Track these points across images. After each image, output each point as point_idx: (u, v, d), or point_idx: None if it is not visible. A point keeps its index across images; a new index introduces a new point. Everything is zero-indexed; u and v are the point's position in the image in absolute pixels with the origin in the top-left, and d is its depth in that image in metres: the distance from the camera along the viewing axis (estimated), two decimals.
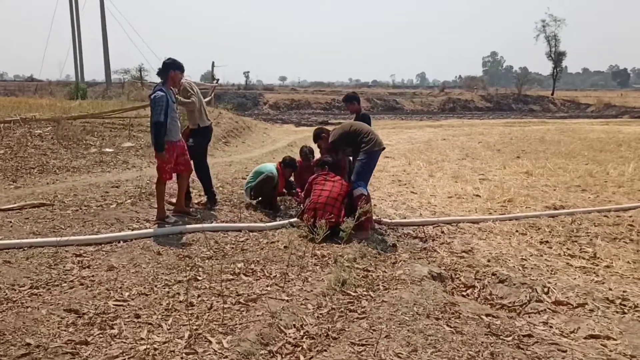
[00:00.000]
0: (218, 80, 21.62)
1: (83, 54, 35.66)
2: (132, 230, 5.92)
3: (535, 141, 18.89)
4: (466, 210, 8.33)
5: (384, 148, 7.00)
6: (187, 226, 6.04)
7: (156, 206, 6.67)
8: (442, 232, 6.94)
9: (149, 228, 5.99)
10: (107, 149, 11.58)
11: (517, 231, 7.04)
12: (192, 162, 6.75)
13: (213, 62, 21.20)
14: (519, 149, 16.43)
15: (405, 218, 7.65)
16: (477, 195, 9.45)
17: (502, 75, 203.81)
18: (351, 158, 7.15)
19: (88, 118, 13.86)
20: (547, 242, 6.59)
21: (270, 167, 7.84)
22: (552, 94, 55.92)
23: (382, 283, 4.83)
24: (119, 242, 5.48)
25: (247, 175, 9.69)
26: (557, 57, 58.39)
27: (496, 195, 9.32)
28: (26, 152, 10.44)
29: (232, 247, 5.58)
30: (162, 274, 4.66)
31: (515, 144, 17.95)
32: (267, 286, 4.51)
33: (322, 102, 42.10)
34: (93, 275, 4.52)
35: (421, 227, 7.16)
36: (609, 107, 47.38)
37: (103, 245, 5.37)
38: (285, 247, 5.65)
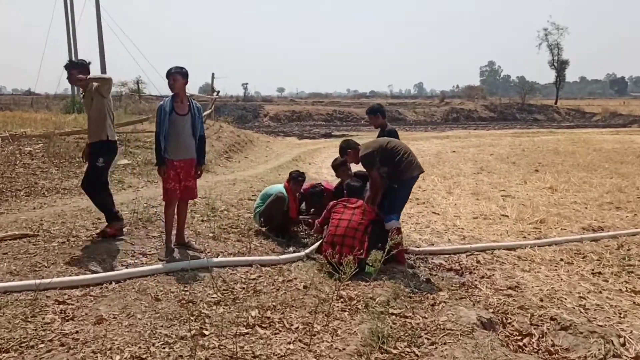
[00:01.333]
0: (219, 92, 20.84)
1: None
2: (126, 266, 5.12)
3: (549, 152, 18.15)
4: (497, 233, 7.54)
5: (422, 171, 6.21)
6: (191, 262, 5.23)
7: (153, 235, 5.91)
8: (478, 262, 6.14)
9: (145, 265, 5.18)
10: None
11: (561, 260, 6.24)
12: (92, 186, 5.97)
13: (213, 74, 20.45)
14: (534, 162, 15.68)
15: (433, 245, 6.84)
16: (505, 216, 8.66)
17: (500, 85, 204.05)
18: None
19: (82, 133, 13.05)
20: (599, 273, 5.79)
21: (279, 187, 7.06)
22: (556, 103, 55.30)
23: (426, 334, 4.01)
24: (111, 282, 4.68)
25: (253, 196, 8.91)
26: (560, 66, 57.82)
27: (526, 216, 8.54)
28: (14, 172, 9.64)
29: (243, 288, 4.77)
30: (161, 327, 3.85)
31: (529, 156, 17.20)
32: (289, 343, 3.70)
33: (323, 114, 41.41)
34: (77, 332, 3.70)
35: (453, 255, 6.37)
36: (615, 116, 46.68)
37: (92, 287, 4.57)
38: (305, 286, 4.84)
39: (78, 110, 28.91)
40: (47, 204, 7.98)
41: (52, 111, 26.82)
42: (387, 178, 5.92)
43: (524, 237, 7.41)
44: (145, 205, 7.63)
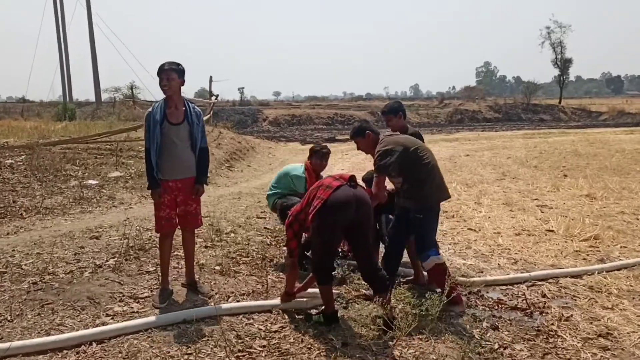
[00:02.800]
0: (217, 96, 19.70)
1: (73, 72, 33.85)
2: (112, 317, 4.00)
3: (569, 155, 17.07)
4: (550, 254, 6.43)
5: (449, 197, 5.08)
6: (195, 311, 4.11)
7: (148, 269, 4.81)
8: (544, 295, 5.03)
9: (137, 313, 4.07)
10: (90, 181, 9.66)
11: None
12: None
13: (211, 77, 19.39)
14: (557, 165, 14.60)
15: (482, 272, 5.73)
16: (551, 231, 7.56)
17: (496, 85, 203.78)
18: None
19: (69, 143, 11.95)
20: None
21: (298, 169, 5.99)
22: (560, 102, 54.28)
23: None
24: (91, 343, 3.57)
25: (262, 213, 7.81)
26: (563, 64, 56.78)
27: (575, 231, 7.44)
28: None
29: (264, 347, 3.66)
30: None
31: (550, 159, 16.12)
32: None
33: (323, 117, 40.31)
34: None
35: (511, 286, 5.26)
36: (622, 114, 45.67)
37: (66, 351, 3.47)
38: (344, 344, 3.73)
39: (70, 118, 27.84)
40: (23, 228, 6.87)
41: (43, 119, 25.71)
42: (402, 196, 4.73)
43: (584, 258, 6.31)
44: (138, 228, 6.51)
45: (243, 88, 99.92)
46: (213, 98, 19.19)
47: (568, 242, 7.00)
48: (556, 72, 60.22)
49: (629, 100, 68.85)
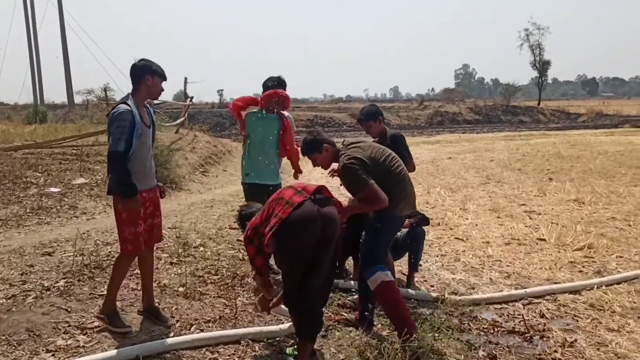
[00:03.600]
0: (192, 98, 19.03)
1: (46, 74, 32.86)
2: (52, 354, 3.44)
3: (552, 157, 16.78)
4: (544, 266, 6.00)
5: (414, 210, 4.52)
6: (147, 345, 3.55)
7: (102, 292, 4.25)
8: (543, 315, 4.58)
9: (82, 348, 3.51)
10: (52, 189, 9.01)
11: None
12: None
13: (186, 78, 18.67)
14: (542, 168, 14.27)
15: (474, 288, 5.27)
16: (542, 239, 7.15)
17: (475, 87, 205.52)
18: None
19: (33, 148, 11.27)
20: None
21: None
22: (539, 104, 54.43)
23: None
24: None
25: (235, 223, 7.26)
26: (542, 66, 56.98)
27: (567, 239, 7.03)
28: None
29: None
30: None
31: (533, 162, 15.80)
32: None
33: (303, 120, 39.65)
34: None
35: (506, 305, 4.81)
36: (601, 116, 45.86)
37: None
38: None
39: (40, 121, 26.92)
40: None
41: (13, 122, 24.80)
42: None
43: (580, 271, 5.89)
44: (96, 242, 5.92)
45: (222, 90, 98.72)
46: (188, 100, 18.51)
47: (561, 252, 6.59)
48: (534, 74, 60.51)
49: (606, 101, 69.51)
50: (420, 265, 5.85)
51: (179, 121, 16.04)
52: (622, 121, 40.34)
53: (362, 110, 5.02)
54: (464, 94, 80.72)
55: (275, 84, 5.28)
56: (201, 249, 5.94)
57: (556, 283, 5.40)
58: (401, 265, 5.59)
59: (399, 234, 4.97)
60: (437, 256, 6.40)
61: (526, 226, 7.92)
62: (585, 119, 46.81)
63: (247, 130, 5.22)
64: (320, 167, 4.21)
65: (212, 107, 57.85)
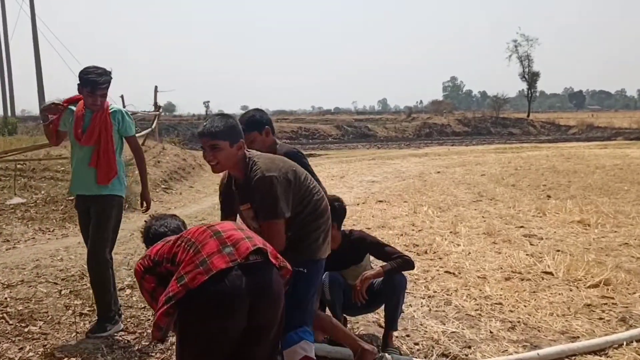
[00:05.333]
0: (160, 107, 17.80)
1: (19, 85, 31.54)
2: None
3: (547, 172, 15.75)
4: (555, 311, 4.84)
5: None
6: None
7: None
8: None
9: None
10: None
11: None
12: None
13: (156, 87, 17.51)
14: (537, 184, 13.21)
15: (470, 348, 4.08)
16: (548, 273, 6.01)
17: (463, 99, 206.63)
18: None
19: None
20: None
21: None
22: (528, 116, 53.73)
23: None
24: None
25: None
26: (531, 78, 56.38)
27: (579, 273, 5.90)
28: None
29: None
30: None
31: (527, 176, 14.75)
32: None
33: (287, 131, 38.58)
34: None
35: None
36: (592, 128, 45.19)
37: None
38: None
39: (9, 133, 25.57)
40: None
41: None
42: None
43: (600, 317, 4.74)
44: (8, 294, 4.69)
45: (208, 102, 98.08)
46: (157, 110, 17.27)
47: (573, 290, 5.45)
48: (522, 86, 60.02)
49: (595, 114, 69.14)
50: (403, 312, 4.67)
51: (146, 132, 14.80)
52: (614, 134, 39.64)
53: (243, 116, 3.56)
54: (452, 106, 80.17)
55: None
56: (127, 291, 4.72)
57: (574, 338, 4.24)
58: (379, 314, 4.41)
59: (373, 282, 3.80)
60: (424, 297, 5.21)
61: (527, 254, 6.79)
62: (576, 131, 46.11)
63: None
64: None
65: (198, 118, 56.77)
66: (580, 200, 10.42)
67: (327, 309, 3.88)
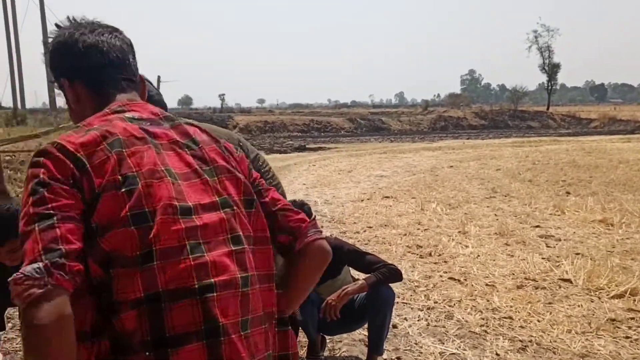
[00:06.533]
0: None
1: (30, 77, 31.30)
2: None
3: (567, 166, 14.93)
4: (574, 327, 4.17)
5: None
6: None
7: None
8: None
9: None
10: None
11: None
12: None
13: (159, 77, 17.04)
14: (556, 179, 12.43)
15: None
16: (566, 280, 5.33)
17: (481, 93, 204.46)
18: None
19: None
20: None
21: None
22: (548, 109, 52.36)
23: None
24: None
25: None
26: (551, 69, 54.88)
27: (602, 281, 5.21)
28: None
29: None
30: None
31: (546, 171, 13.96)
32: None
33: (299, 124, 37.92)
34: None
35: None
36: (614, 121, 43.87)
37: None
38: None
39: (17, 123, 25.37)
40: None
41: None
42: None
43: (626, 336, 4.06)
44: None
45: (224, 95, 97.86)
46: None
47: (595, 302, 4.77)
48: (542, 78, 58.59)
49: (617, 107, 67.37)
50: (396, 327, 4.05)
51: None
52: (638, 127, 38.33)
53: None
54: (470, 99, 78.82)
55: None
56: None
57: None
58: (364, 331, 3.78)
59: (355, 297, 3.17)
60: (422, 309, 4.56)
61: (543, 258, 6.10)
62: (597, 125, 44.81)
63: None
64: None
65: (214, 111, 56.45)
66: (603, 197, 9.67)
67: (299, 330, 3.26)
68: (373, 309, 3.13)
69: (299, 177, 14.21)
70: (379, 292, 3.09)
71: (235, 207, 1.24)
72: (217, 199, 1.22)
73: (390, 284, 3.19)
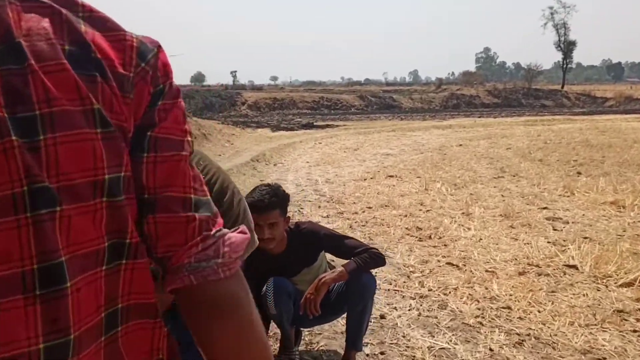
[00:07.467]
0: None
1: None
2: None
3: (579, 145, 14.48)
4: (577, 319, 3.86)
5: None
6: None
7: None
8: None
9: None
10: None
11: None
12: None
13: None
14: (567, 159, 12.02)
15: None
16: (572, 266, 5.02)
17: (496, 71, 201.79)
18: None
19: None
20: None
21: None
22: (562, 87, 51.32)
23: None
24: None
25: None
26: (566, 47, 53.64)
27: (610, 267, 4.88)
28: None
29: None
30: None
31: (557, 150, 13.54)
32: None
33: (308, 101, 37.46)
34: None
35: None
36: (630, 100, 42.92)
37: None
38: None
39: None
40: None
41: None
42: None
43: (634, 329, 3.75)
44: None
45: (235, 72, 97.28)
46: None
47: (602, 290, 4.45)
48: (558, 57, 57.43)
49: (634, 86, 65.98)
50: (384, 318, 3.77)
51: None
52: None
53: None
54: (484, 77, 77.62)
55: None
56: None
57: None
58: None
59: (332, 285, 2.89)
60: (414, 297, 4.27)
61: (548, 242, 5.79)
62: (613, 104, 43.89)
63: None
64: None
65: (225, 88, 56.07)
66: (615, 178, 9.28)
67: (271, 324, 2.99)
68: (352, 299, 2.84)
69: (304, 155, 13.93)
70: (359, 280, 2.80)
71: None
72: None
73: (374, 270, 2.90)
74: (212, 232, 0.79)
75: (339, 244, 2.90)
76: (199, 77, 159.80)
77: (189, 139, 0.80)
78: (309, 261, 2.93)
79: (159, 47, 0.76)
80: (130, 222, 0.71)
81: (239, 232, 0.84)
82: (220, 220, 0.82)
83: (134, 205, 0.73)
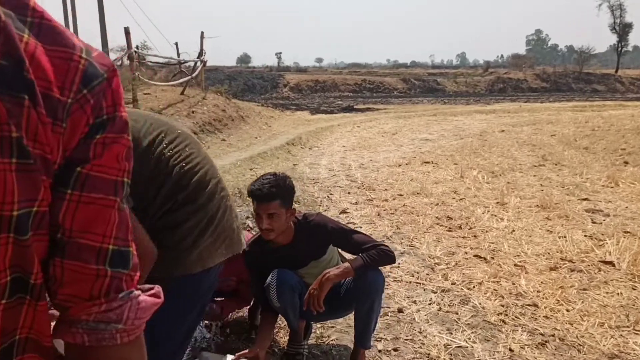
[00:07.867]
0: (203, 54, 16.88)
1: (78, 30, 31.78)
2: None
3: (630, 133, 13.83)
4: (607, 320, 3.65)
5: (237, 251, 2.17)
6: None
7: None
8: None
9: None
10: None
11: None
12: None
13: (202, 33, 16.68)
14: (615, 147, 11.50)
15: None
16: (607, 263, 4.76)
17: (547, 54, 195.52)
18: None
19: None
20: None
21: None
22: (617, 72, 49.24)
23: None
24: None
25: None
26: (622, 29, 51.35)
27: None
28: None
29: None
30: None
31: (605, 138, 12.97)
32: None
33: (350, 84, 37.10)
34: None
35: None
36: None
37: None
38: None
39: None
40: None
41: None
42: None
43: None
44: None
45: (280, 53, 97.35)
46: (199, 59, 16.35)
47: (638, 289, 4.21)
48: (613, 39, 55.06)
49: None
50: (402, 312, 3.66)
51: (181, 80, 14.14)
52: None
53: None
54: (535, 61, 75.14)
55: None
56: None
57: None
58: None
59: (342, 281, 2.79)
60: (436, 291, 4.12)
61: (586, 236, 5.52)
62: None
63: None
64: None
65: (270, 70, 56.19)
66: None
67: (278, 315, 2.92)
68: (359, 297, 2.73)
69: (340, 139, 13.79)
70: (366, 277, 2.68)
71: None
72: None
73: (380, 268, 2.78)
74: (121, 295, 0.70)
75: (346, 238, 2.79)
76: (244, 59, 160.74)
77: (127, 180, 0.72)
78: (317, 254, 2.84)
79: (113, 71, 0.68)
80: (36, 262, 0.64)
81: (151, 295, 0.76)
82: (136, 276, 0.74)
83: (44, 241, 0.66)
